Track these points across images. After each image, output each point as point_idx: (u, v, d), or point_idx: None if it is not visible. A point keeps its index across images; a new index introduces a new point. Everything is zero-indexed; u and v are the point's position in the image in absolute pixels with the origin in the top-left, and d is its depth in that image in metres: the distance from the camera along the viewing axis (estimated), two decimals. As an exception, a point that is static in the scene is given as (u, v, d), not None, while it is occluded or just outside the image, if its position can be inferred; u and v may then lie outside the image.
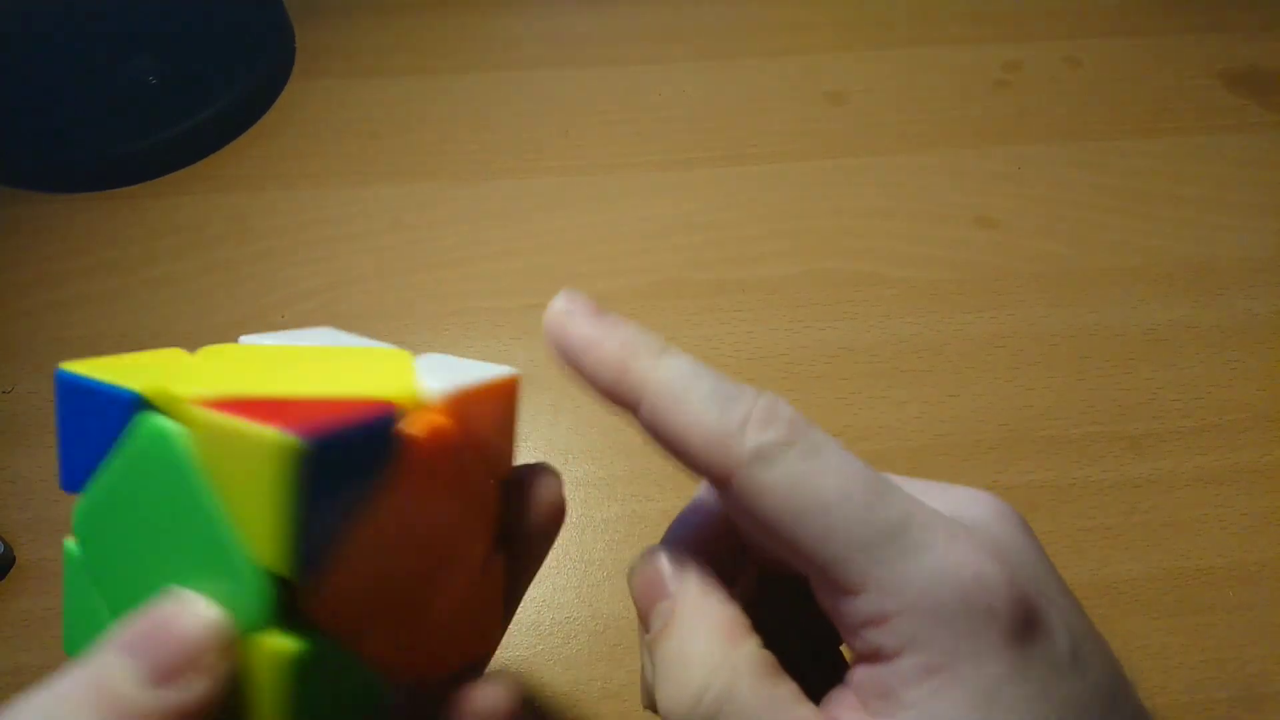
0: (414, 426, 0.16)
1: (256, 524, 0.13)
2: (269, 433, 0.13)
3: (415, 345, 0.36)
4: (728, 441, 0.15)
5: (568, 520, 0.32)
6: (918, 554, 0.14)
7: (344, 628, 0.15)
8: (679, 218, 0.41)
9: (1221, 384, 0.36)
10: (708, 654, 0.16)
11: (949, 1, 0.52)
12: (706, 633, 0.16)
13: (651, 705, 0.17)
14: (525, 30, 0.50)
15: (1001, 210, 0.42)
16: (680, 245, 0.40)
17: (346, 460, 0.14)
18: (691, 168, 0.43)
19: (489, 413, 0.18)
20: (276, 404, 0.14)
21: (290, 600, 0.14)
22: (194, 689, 0.13)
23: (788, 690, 0.15)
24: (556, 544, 0.32)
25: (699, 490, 0.20)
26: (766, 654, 0.16)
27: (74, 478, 0.16)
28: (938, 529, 0.15)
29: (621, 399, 0.16)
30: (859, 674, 0.15)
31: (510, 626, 0.29)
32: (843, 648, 0.18)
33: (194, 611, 0.14)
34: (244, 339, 0.20)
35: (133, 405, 0.15)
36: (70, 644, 0.17)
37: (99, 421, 0.15)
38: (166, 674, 0.13)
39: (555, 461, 0.28)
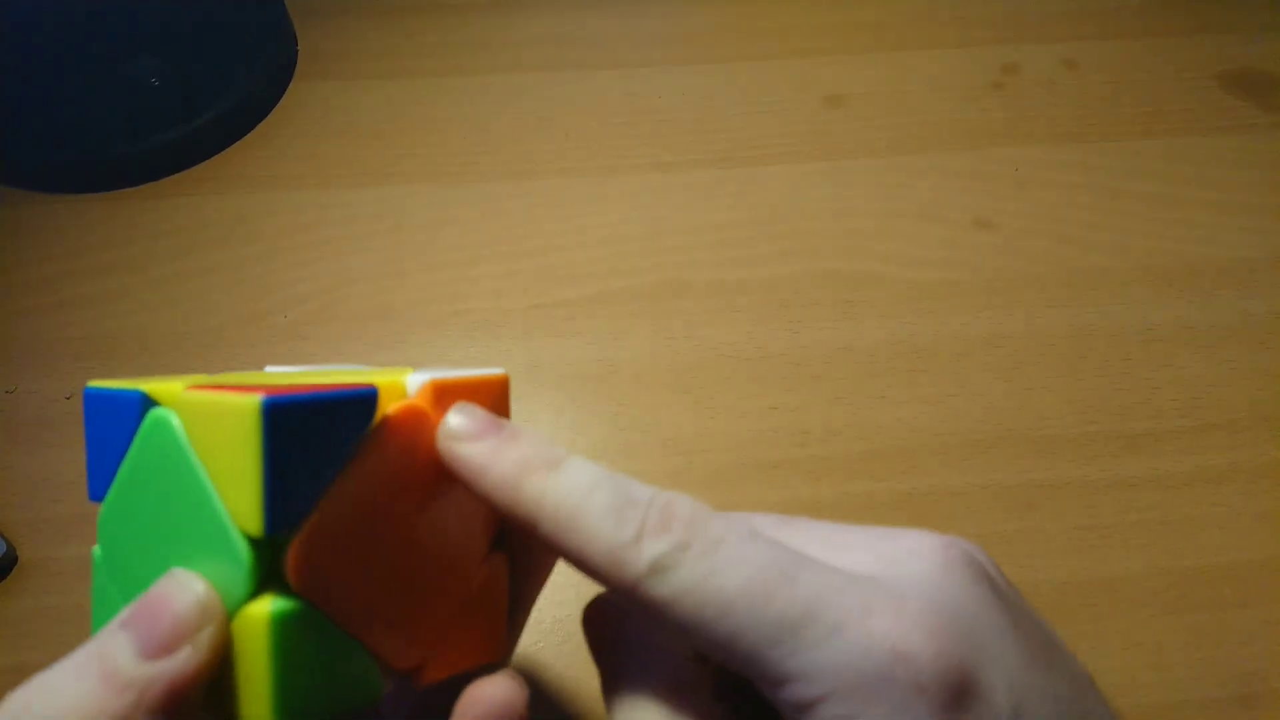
0: (389, 406, 0.16)
1: (234, 486, 0.14)
2: (239, 397, 0.14)
3: (415, 345, 0.37)
4: (624, 556, 0.15)
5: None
6: (831, 636, 0.14)
7: (322, 594, 0.15)
8: (679, 218, 0.41)
9: (1219, 384, 0.36)
10: (660, 701, 0.16)
11: (946, 4, 0.52)
12: (658, 680, 0.16)
13: None
14: (526, 33, 0.50)
15: (1000, 211, 0.42)
16: (680, 245, 0.40)
17: (314, 425, 0.15)
18: (691, 169, 0.43)
19: (487, 404, 0.18)
20: (257, 387, 0.15)
21: (275, 571, 0.15)
22: (184, 661, 0.14)
23: None
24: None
25: None
26: (717, 706, 0.16)
27: (99, 487, 0.17)
28: (850, 605, 0.14)
29: (520, 521, 0.16)
30: None
31: (511, 625, 0.30)
32: None
33: (185, 587, 0.14)
34: (269, 368, 0.20)
35: (140, 404, 0.16)
36: None
37: (115, 428, 0.16)
38: (158, 647, 0.14)
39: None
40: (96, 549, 0.17)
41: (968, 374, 0.36)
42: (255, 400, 0.14)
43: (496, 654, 0.20)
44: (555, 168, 0.43)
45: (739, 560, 0.15)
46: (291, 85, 0.47)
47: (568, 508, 0.15)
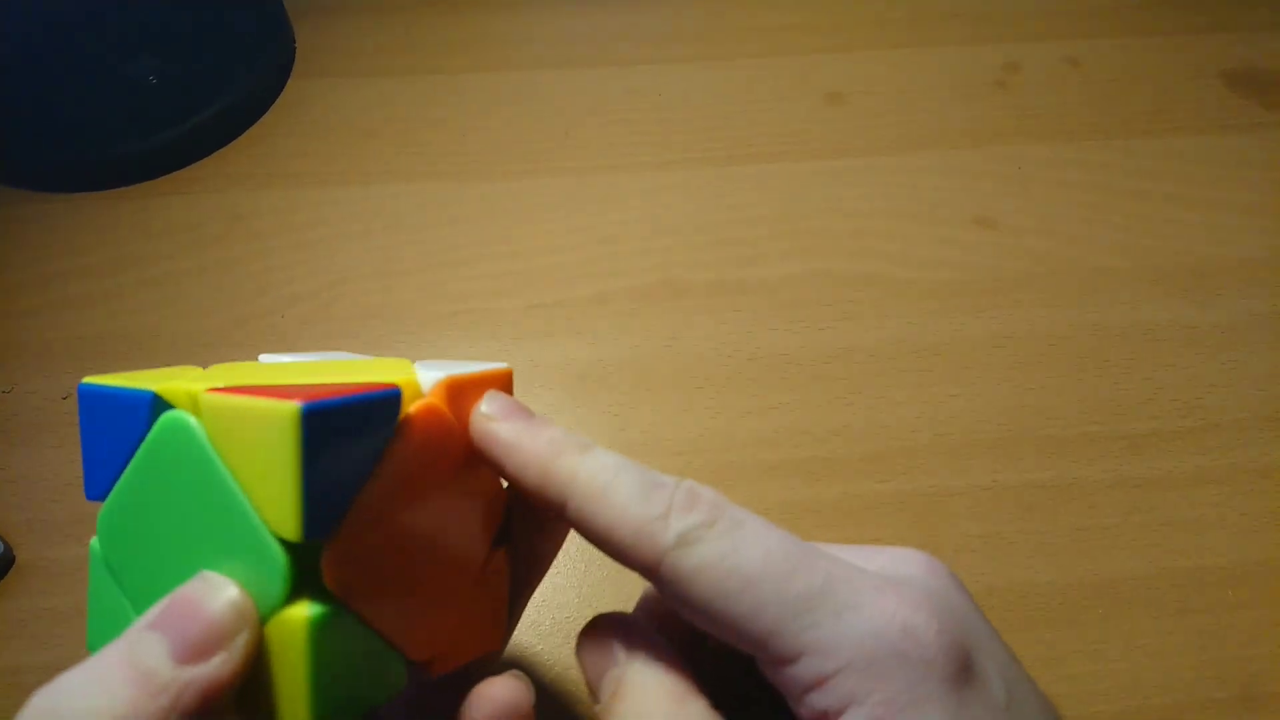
0: (409, 406, 0.16)
1: (268, 492, 0.14)
2: (274, 403, 0.14)
3: (415, 345, 0.37)
4: (652, 530, 0.16)
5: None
6: (845, 613, 0.15)
7: (357, 596, 0.15)
8: (679, 218, 0.41)
9: (1221, 384, 0.36)
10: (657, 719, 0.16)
11: (948, 2, 0.52)
12: (655, 698, 0.16)
13: None
14: (526, 31, 0.50)
15: (1001, 210, 0.42)
16: (680, 245, 0.40)
17: (347, 429, 0.15)
18: (691, 168, 0.43)
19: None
20: (281, 388, 0.15)
21: (308, 572, 0.15)
22: (219, 666, 0.14)
23: None
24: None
25: None
26: (714, 714, 0.16)
27: (97, 485, 0.17)
28: (863, 586, 0.15)
29: (547, 498, 0.17)
30: None
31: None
32: None
33: (218, 591, 0.14)
34: (263, 358, 0.20)
35: (151, 405, 0.16)
36: (94, 642, 0.17)
37: (119, 427, 0.16)
38: (194, 652, 0.14)
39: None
40: (95, 543, 0.17)
41: (969, 374, 0.36)
42: (293, 407, 0.14)
43: (498, 644, 0.20)
44: (555, 166, 0.43)
45: (761, 540, 0.15)
46: (289, 83, 0.47)
47: (598, 485, 0.16)
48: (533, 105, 0.46)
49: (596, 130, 0.45)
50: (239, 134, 0.44)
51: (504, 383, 0.20)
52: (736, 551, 0.15)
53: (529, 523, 0.20)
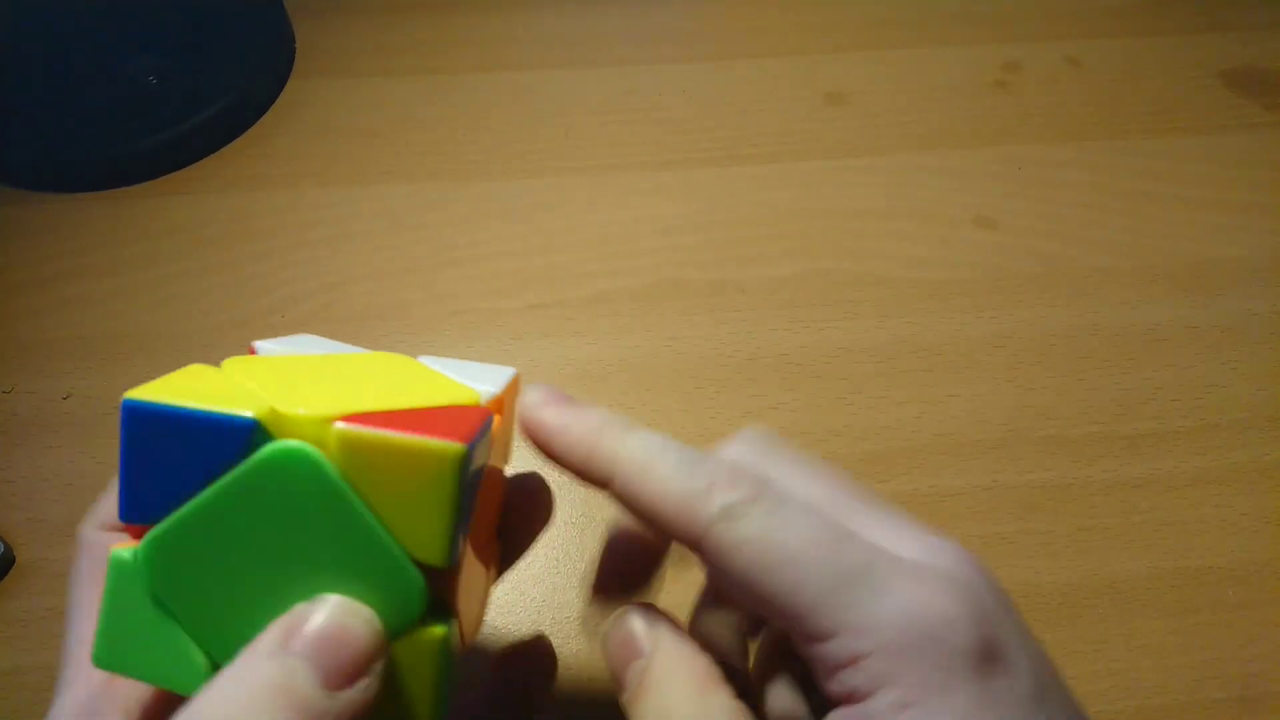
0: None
1: (420, 525, 0.15)
2: (438, 442, 0.15)
3: (415, 345, 0.37)
4: (696, 504, 0.16)
5: (568, 520, 0.32)
6: (884, 596, 0.15)
7: (459, 605, 0.17)
8: (679, 218, 0.41)
9: (1221, 384, 0.36)
10: (683, 708, 0.16)
11: (948, 2, 0.52)
12: (681, 687, 0.17)
13: None
14: (525, 31, 0.50)
15: (1001, 210, 0.42)
16: (680, 245, 0.40)
17: (474, 458, 0.16)
18: (691, 168, 0.43)
19: (510, 405, 0.20)
20: (400, 416, 0.16)
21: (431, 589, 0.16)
22: (364, 690, 0.15)
23: None
24: (556, 544, 0.32)
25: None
26: (740, 704, 0.17)
27: (141, 509, 0.16)
28: (902, 571, 0.15)
29: (594, 476, 0.17)
30: (836, 717, 0.15)
31: (510, 627, 0.30)
32: None
33: (361, 618, 0.15)
34: (257, 344, 0.20)
35: (253, 431, 0.15)
36: (105, 655, 0.16)
37: (194, 450, 0.15)
38: (343, 678, 0.14)
39: (555, 461, 0.28)
40: (122, 554, 0.16)
41: (970, 374, 0.36)
42: (460, 448, 0.15)
43: (477, 629, 0.21)
44: (555, 166, 0.43)
45: (803, 519, 0.16)
46: (289, 84, 0.47)
47: (643, 463, 0.17)
48: (533, 105, 0.46)
49: (596, 130, 0.45)
50: (239, 134, 0.44)
51: (516, 387, 0.20)
52: (780, 528, 0.16)
53: (513, 515, 0.22)
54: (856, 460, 0.33)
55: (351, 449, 0.15)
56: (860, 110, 0.46)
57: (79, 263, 0.39)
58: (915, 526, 0.17)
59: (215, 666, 0.16)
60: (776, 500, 0.16)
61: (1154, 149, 0.45)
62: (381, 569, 0.15)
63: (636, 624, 0.18)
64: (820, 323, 0.37)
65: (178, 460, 0.15)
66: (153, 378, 0.16)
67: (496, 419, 0.18)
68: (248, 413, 0.15)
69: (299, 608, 0.15)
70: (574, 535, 0.32)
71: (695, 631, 0.21)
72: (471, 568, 0.18)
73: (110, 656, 0.16)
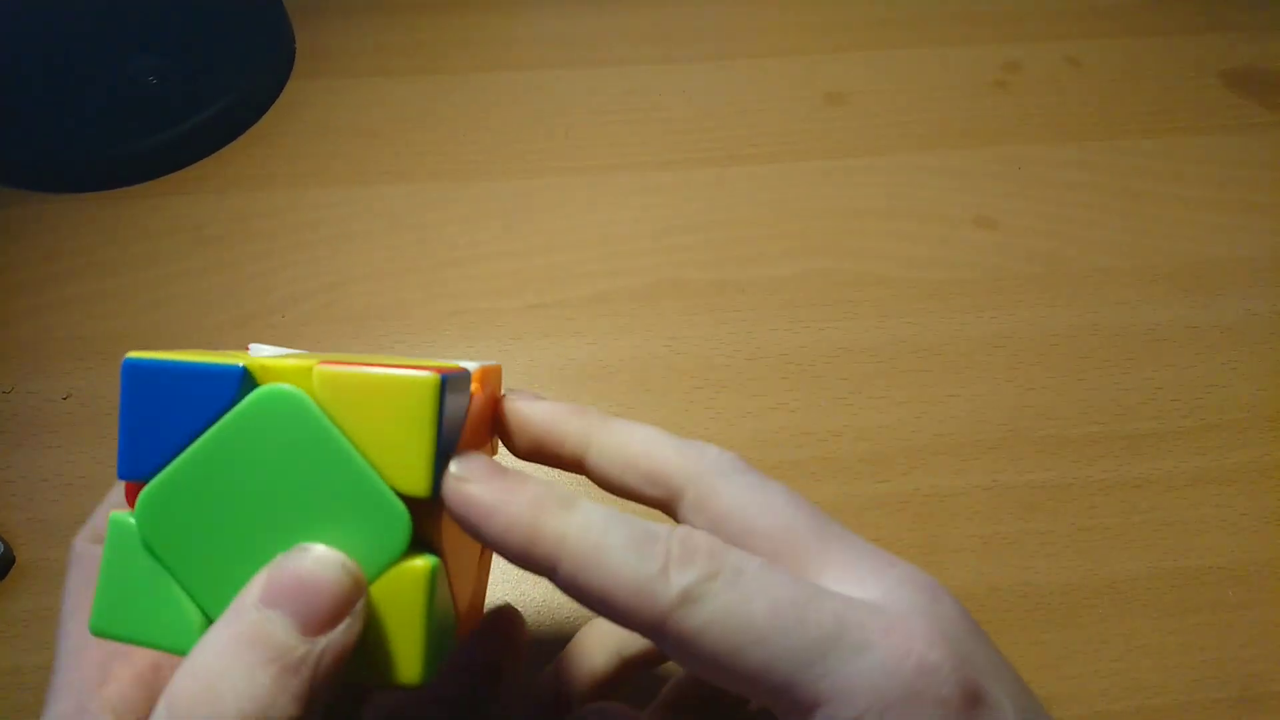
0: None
1: (398, 454, 0.15)
2: (414, 374, 0.15)
3: (415, 345, 0.37)
4: (653, 589, 0.15)
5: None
6: (858, 655, 0.14)
7: (447, 550, 0.17)
8: (679, 218, 0.41)
9: (1221, 384, 0.36)
10: None
11: (948, 2, 0.52)
12: None
13: None
14: (525, 30, 0.50)
15: (1001, 210, 0.42)
16: (680, 245, 0.40)
17: (451, 401, 0.16)
18: (691, 168, 0.43)
19: (490, 390, 0.20)
20: (379, 362, 0.16)
21: (414, 527, 0.16)
22: (346, 632, 0.15)
23: None
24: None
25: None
26: None
27: (139, 464, 0.16)
28: (872, 624, 0.15)
29: (536, 563, 0.15)
30: None
31: (510, 626, 0.30)
32: None
33: (328, 561, 0.15)
34: (253, 348, 0.20)
35: (242, 378, 0.16)
36: (103, 620, 0.17)
37: (187, 403, 0.16)
38: (321, 623, 0.15)
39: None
40: (120, 518, 0.16)
41: (969, 374, 0.36)
42: (434, 377, 0.15)
43: (470, 631, 0.21)
44: (554, 166, 0.43)
45: (766, 587, 0.15)
46: (289, 83, 0.47)
47: (588, 545, 0.15)
48: (533, 105, 0.46)
49: (596, 130, 0.45)
50: (239, 134, 0.44)
51: (496, 377, 0.21)
52: (742, 603, 0.15)
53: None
54: (856, 460, 0.33)
55: (333, 387, 0.16)
56: (860, 110, 0.46)
57: (79, 263, 0.39)
58: (874, 558, 0.17)
59: (210, 624, 0.16)
60: (734, 569, 0.15)
61: (1154, 149, 0.45)
62: (367, 504, 0.16)
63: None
64: (820, 323, 0.37)
65: (173, 413, 0.16)
66: None
67: (475, 385, 0.18)
68: (237, 363, 0.16)
69: (278, 559, 0.15)
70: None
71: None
72: (464, 549, 0.18)
73: (108, 623, 0.17)
